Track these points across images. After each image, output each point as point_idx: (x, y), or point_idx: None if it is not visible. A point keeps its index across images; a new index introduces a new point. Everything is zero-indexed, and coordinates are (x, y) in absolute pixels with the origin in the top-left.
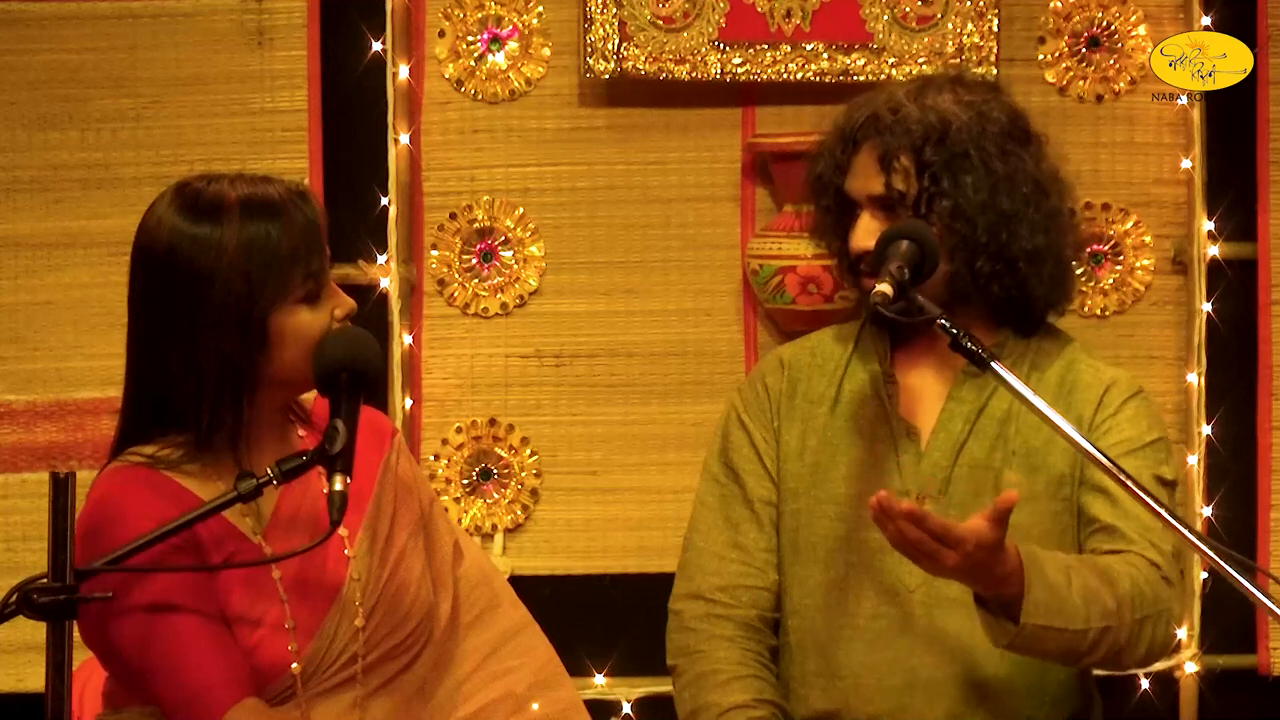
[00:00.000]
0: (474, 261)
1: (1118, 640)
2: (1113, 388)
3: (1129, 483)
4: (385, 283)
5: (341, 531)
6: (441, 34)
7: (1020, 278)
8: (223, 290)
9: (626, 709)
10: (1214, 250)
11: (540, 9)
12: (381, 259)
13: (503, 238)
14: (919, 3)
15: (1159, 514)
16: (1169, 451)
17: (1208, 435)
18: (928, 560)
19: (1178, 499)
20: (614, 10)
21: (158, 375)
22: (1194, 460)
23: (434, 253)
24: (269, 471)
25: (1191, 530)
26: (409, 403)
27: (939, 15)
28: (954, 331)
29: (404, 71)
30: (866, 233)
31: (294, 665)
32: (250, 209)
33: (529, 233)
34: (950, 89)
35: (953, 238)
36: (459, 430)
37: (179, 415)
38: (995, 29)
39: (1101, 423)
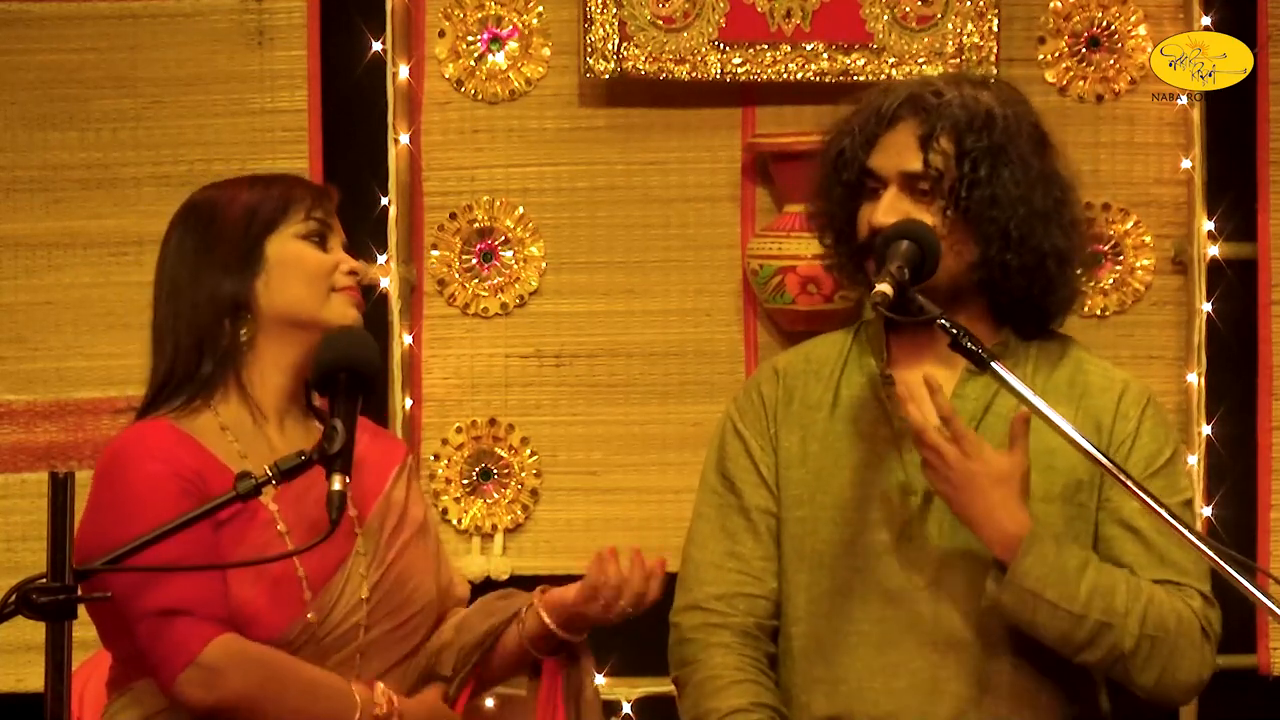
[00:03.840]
0: (474, 261)
1: (1120, 644)
2: (1126, 392)
3: (1150, 501)
4: (385, 283)
5: (351, 512)
6: (441, 34)
7: (1047, 275)
8: (224, 223)
9: (626, 709)
10: (1214, 250)
11: (540, 9)
12: (381, 259)
13: (503, 238)
14: (919, 3)
15: (1178, 529)
16: (1184, 459)
17: (1208, 435)
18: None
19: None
20: (614, 10)
21: (171, 328)
22: (1194, 460)
23: (434, 253)
24: (267, 471)
25: (1203, 539)
26: (409, 403)
27: (939, 15)
28: (954, 332)
29: (404, 71)
30: (889, 209)
31: (310, 615)
32: (268, 177)
33: (529, 233)
34: (985, 86)
35: (988, 227)
36: (459, 430)
37: (188, 366)
38: (995, 29)
39: (1124, 441)
